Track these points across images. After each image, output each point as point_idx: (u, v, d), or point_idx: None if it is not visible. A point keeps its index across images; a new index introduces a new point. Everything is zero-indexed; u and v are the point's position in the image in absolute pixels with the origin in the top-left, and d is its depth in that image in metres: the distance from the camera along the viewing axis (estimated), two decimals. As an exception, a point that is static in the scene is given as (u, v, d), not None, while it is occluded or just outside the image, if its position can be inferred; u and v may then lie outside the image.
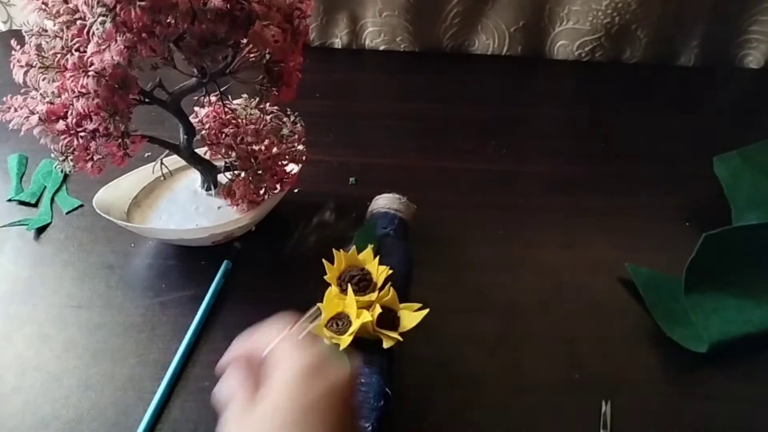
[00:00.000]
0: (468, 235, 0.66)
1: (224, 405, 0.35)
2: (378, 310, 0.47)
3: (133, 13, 0.41)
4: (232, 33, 0.45)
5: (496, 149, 0.78)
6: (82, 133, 0.48)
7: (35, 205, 0.68)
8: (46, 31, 0.47)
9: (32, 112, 0.48)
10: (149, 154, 0.67)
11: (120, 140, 0.50)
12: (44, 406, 0.50)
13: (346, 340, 0.46)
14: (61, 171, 0.53)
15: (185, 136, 0.57)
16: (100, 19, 0.41)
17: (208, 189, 0.63)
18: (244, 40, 0.47)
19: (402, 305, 0.49)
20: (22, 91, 0.49)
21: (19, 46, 0.48)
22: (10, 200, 0.68)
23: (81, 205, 0.67)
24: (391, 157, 0.76)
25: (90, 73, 0.44)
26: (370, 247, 0.52)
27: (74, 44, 0.45)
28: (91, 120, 0.47)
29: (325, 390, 0.33)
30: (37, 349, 0.54)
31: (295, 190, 0.69)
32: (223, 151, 0.58)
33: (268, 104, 0.60)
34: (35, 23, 0.47)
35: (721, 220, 0.62)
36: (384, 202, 0.60)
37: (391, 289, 0.49)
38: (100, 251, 0.63)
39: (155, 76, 0.50)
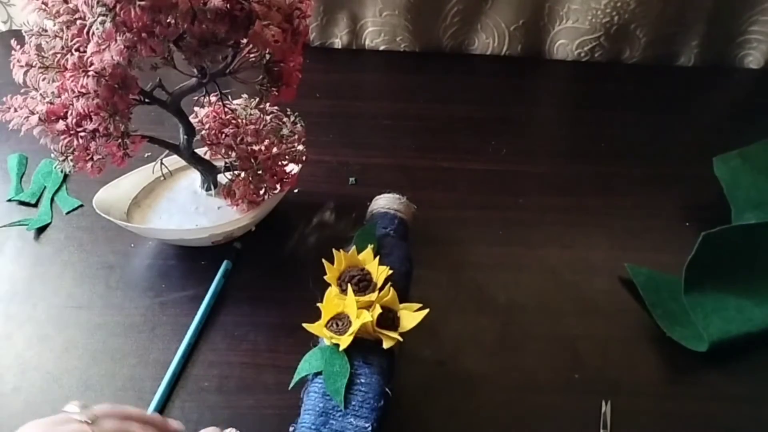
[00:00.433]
0: (468, 235, 0.66)
1: None
2: (378, 310, 0.47)
3: (133, 13, 0.41)
4: (232, 33, 0.45)
5: (496, 149, 0.78)
6: (82, 133, 0.48)
7: (35, 205, 0.68)
8: (46, 31, 0.47)
9: (32, 112, 0.48)
10: (149, 154, 0.67)
11: (120, 140, 0.50)
12: (44, 406, 0.50)
13: (346, 340, 0.46)
14: (61, 171, 0.53)
15: (185, 136, 0.57)
16: (100, 19, 0.41)
17: (208, 189, 0.63)
18: (244, 40, 0.47)
19: (402, 305, 0.49)
20: (22, 91, 0.49)
21: (19, 46, 0.48)
22: (10, 200, 0.68)
23: (81, 205, 0.67)
24: (391, 157, 0.76)
25: (90, 73, 0.44)
26: (370, 247, 0.52)
27: (74, 44, 0.45)
28: (91, 120, 0.47)
29: None
30: (37, 350, 0.54)
31: (295, 190, 0.69)
32: (223, 151, 0.58)
33: (268, 104, 0.59)
34: (35, 23, 0.47)
35: (721, 220, 0.62)
36: (384, 202, 0.60)
37: (391, 289, 0.49)
38: (100, 251, 0.63)
39: (155, 76, 0.50)
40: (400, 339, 0.47)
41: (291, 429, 0.45)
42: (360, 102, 0.86)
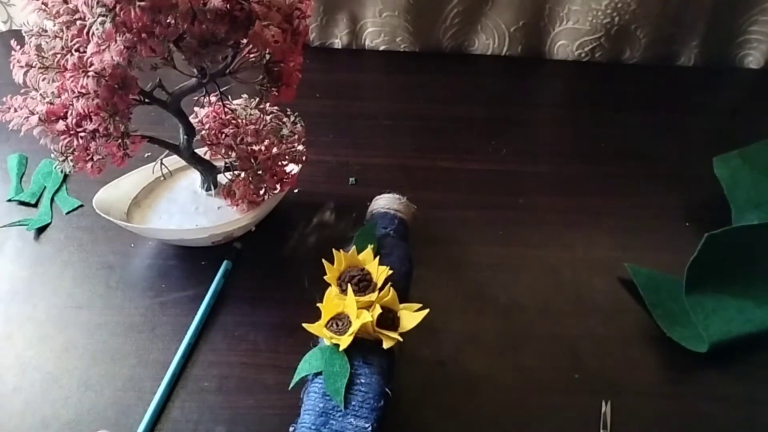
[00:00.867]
0: (468, 235, 0.66)
1: None
2: (378, 310, 0.47)
3: (132, 14, 0.41)
4: (232, 33, 0.45)
5: (496, 149, 0.78)
6: (82, 134, 0.48)
7: (35, 205, 0.68)
8: (46, 31, 0.47)
9: (32, 113, 0.48)
10: (149, 154, 0.67)
11: (120, 140, 0.50)
12: (44, 406, 0.50)
13: (346, 340, 0.46)
14: (61, 171, 0.53)
15: (185, 137, 0.57)
16: (100, 19, 0.41)
17: (208, 189, 0.63)
18: (244, 41, 0.47)
19: (402, 305, 0.49)
20: (22, 91, 0.49)
21: (19, 46, 0.48)
22: (10, 200, 0.68)
23: (81, 205, 0.67)
24: (391, 157, 0.76)
25: (90, 74, 0.44)
26: (370, 247, 0.52)
27: (74, 44, 0.45)
28: (91, 120, 0.47)
29: None
30: (37, 350, 0.54)
31: (295, 190, 0.69)
32: (223, 151, 0.58)
33: (268, 104, 0.60)
34: (35, 23, 0.47)
35: (721, 220, 0.62)
36: (384, 202, 0.60)
37: (391, 289, 0.49)
38: (100, 251, 0.63)
39: (155, 76, 0.50)
40: (400, 339, 0.47)
41: (291, 429, 0.45)
42: (360, 102, 0.86)
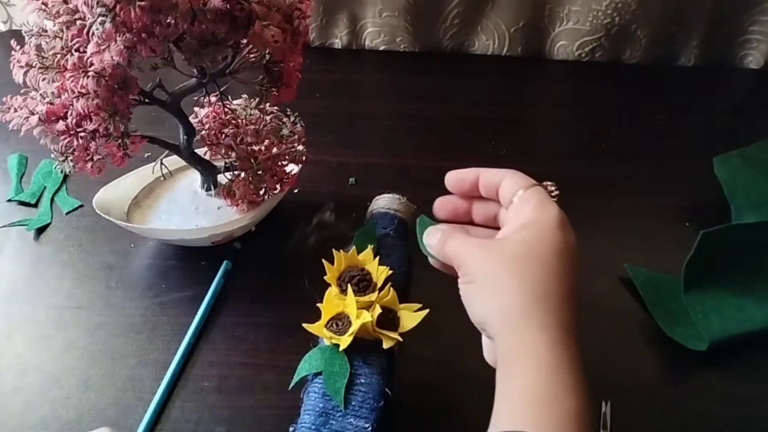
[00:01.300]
0: (468, 235, 0.66)
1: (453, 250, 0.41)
2: (378, 310, 0.47)
3: (132, 14, 0.41)
4: (232, 33, 0.45)
5: (496, 149, 0.78)
6: (82, 134, 0.48)
7: (35, 205, 0.68)
8: (46, 31, 0.47)
9: (32, 113, 0.48)
10: (149, 154, 0.67)
11: (120, 140, 0.50)
12: (44, 406, 0.50)
13: (346, 340, 0.46)
14: (61, 171, 0.53)
15: (185, 137, 0.57)
16: (100, 19, 0.41)
17: (208, 189, 0.63)
18: (244, 41, 0.47)
19: (402, 305, 0.49)
20: (22, 91, 0.49)
21: (19, 46, 0.48)
22: (10, 200, 0.68)
23: (81, 206, 0.67)
24: (391, 157, 0.76)
25: (90, 74, 0.44)
26: (370, 247, 0.52)
27: (74, 44, 0.45)
28: (91, 120, 0.47)
29: (572, 244, 0.38)
30: (37, 350, 0.54)
31: (295, 190, 0.69)
32: (223, 151, 0.58)
33: (268, 104, 0.60)
34: (35, 23, 0.47)
35: (721, 221, 0.61)
36: (384, 202, 0.60)
37: (391, 289, 0.49)
38: (100, 251, 0.63)
39: (155, 76, 0.50)
40: (400, 339, 0.47)
41: (291, 429, 0.45)
42: (360, 102, 0.86)
